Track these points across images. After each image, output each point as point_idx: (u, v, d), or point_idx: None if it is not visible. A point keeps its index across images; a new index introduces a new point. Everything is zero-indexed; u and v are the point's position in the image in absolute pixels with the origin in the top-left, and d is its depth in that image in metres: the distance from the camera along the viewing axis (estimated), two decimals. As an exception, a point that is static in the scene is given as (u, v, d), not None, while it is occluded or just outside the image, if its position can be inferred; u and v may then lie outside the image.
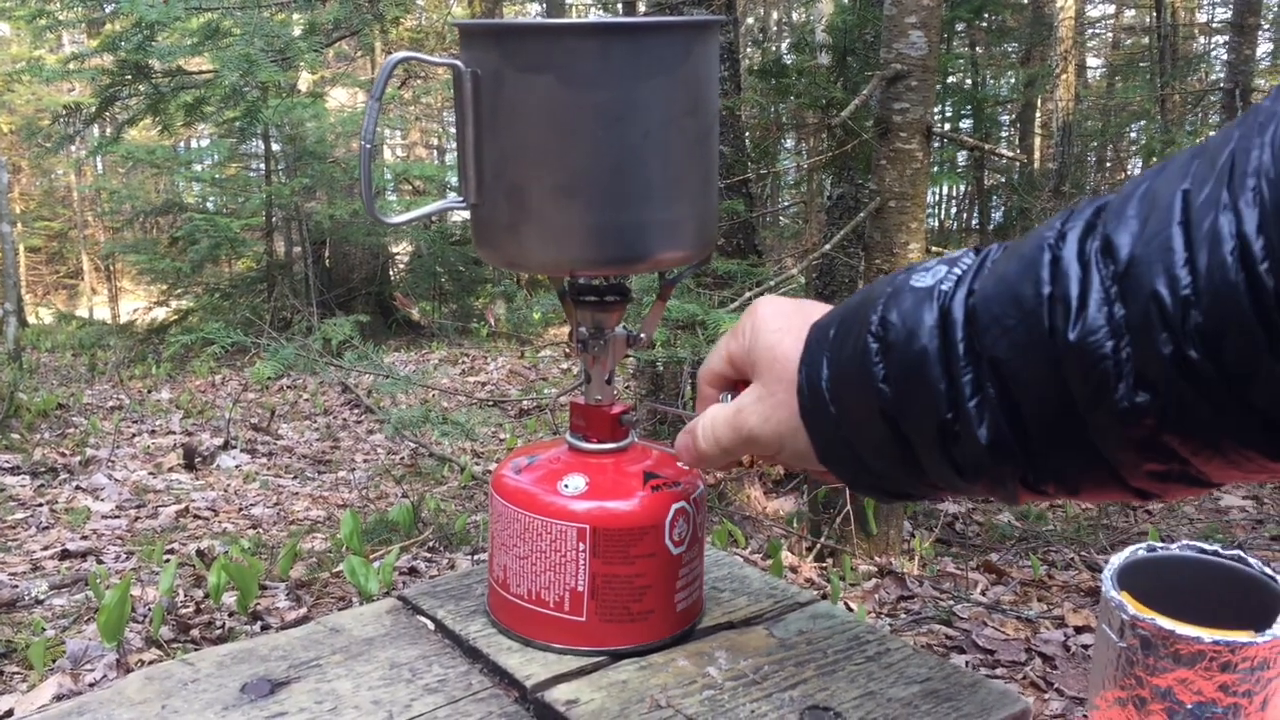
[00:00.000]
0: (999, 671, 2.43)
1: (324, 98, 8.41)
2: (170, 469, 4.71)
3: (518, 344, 8.62)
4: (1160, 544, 0.71)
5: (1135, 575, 0.68)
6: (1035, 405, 0.49)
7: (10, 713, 2.13)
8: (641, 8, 5.59)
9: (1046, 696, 2.31)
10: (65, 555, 3.36)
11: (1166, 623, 0.61)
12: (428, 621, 0.85)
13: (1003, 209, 9.67)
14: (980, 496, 0.57)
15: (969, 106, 7.89)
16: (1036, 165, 10.27)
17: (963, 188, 11.66)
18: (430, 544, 3.31)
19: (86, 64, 6.67)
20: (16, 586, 2.98)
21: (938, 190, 12.26)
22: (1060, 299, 0.46)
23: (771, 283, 3.76)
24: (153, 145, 8.78)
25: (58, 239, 16.69)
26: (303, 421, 5.94)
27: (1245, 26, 7.37)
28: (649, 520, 0.78)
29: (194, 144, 12.54)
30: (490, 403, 5.83)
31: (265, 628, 2.65)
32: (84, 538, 3.57)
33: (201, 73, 6.58)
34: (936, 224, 12.62)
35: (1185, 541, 0.71)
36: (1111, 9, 15.02)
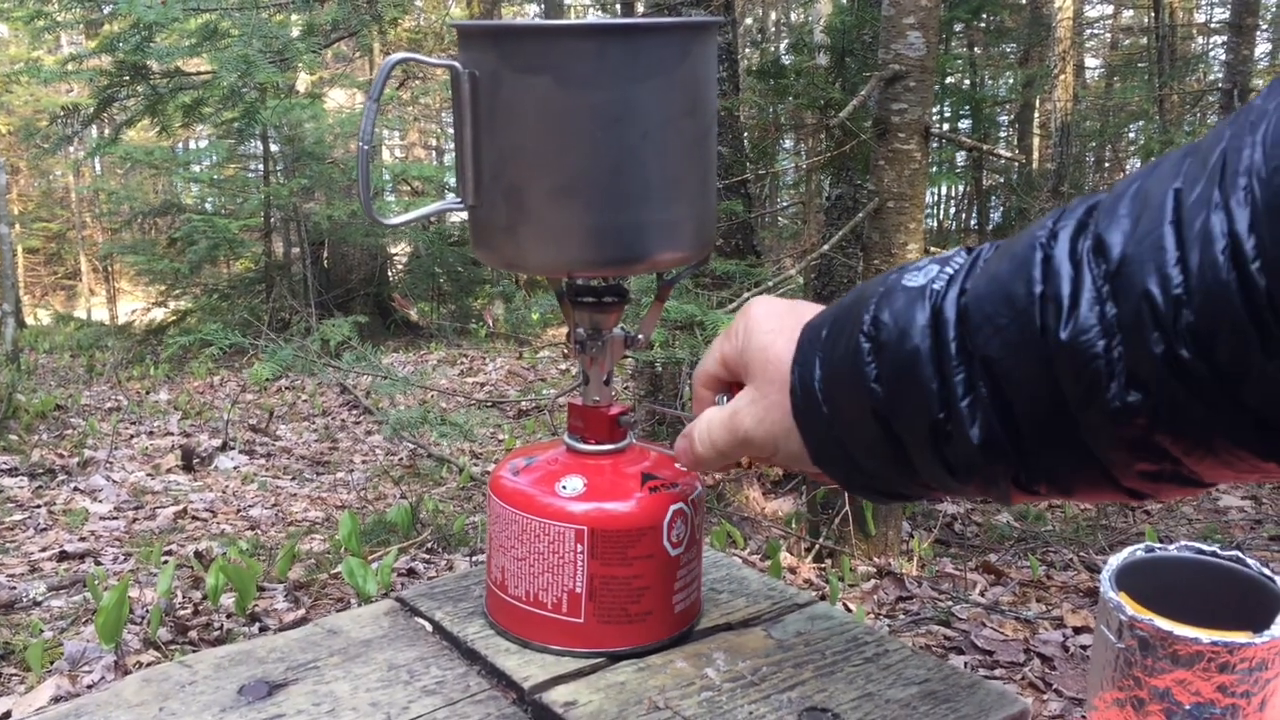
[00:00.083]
0: (998, 672, 2.44)
1: (322, 98, 8.41)
2: (168, 470, 4.71)
3: (516, 345, 8.62)
4: (1158, 545, 0.71)
5: (1133, 576, 0.68)
6: (1027, 404, 0.49)
7: (8, 714, 2.13)
8: (640, 8, 5.60)
9: (1045, 697, 2.31)
10: (63, 557, 3.36)
11: (1165, 623, 0.61)
12: (426, 623, 0.85)
13: (1001, 209, 9.68)
14: (973, 497, 0.57)
15: (967, 107, 7.89)
16: (1035, 166, 10.27)
17: (961, 188, 11.66)
18: (428, 545, 3.31)
19: (85, 65, 6.66)
20: (14, 588, 2.98)
21: (936, 191, 12.26)
22: (1052, 298, 0.46)
23: (770, 283, 3.76)
24: (151, 146, 8.77)
25: (56, 240, 16.69)
26: (301, 422, 5.94)
27: (1243, 27, 7.37)
28: (647, 521, 0.78)
29: (192, 145, 12.54)
30: (489, 403, 5.83)
31: (263, 629, 2.65)
32: (82, 539, 3.57)
33: (200, 74, 6.57)
34: (935, 224, 12.62)
35: (1183, 542, 0.71)
36: (1110, 9, 15.03)
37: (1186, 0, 11.91)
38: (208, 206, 9.92)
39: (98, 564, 3.28)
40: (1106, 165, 12.03)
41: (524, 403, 6.06)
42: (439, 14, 11.96)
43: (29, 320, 11.90)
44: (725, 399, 0.70)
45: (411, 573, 3.06)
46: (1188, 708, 0.61)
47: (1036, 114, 10.57)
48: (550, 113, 0.72)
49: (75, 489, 4.30)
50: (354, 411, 6.14)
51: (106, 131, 8.38)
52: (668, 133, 0.74)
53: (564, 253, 0.75)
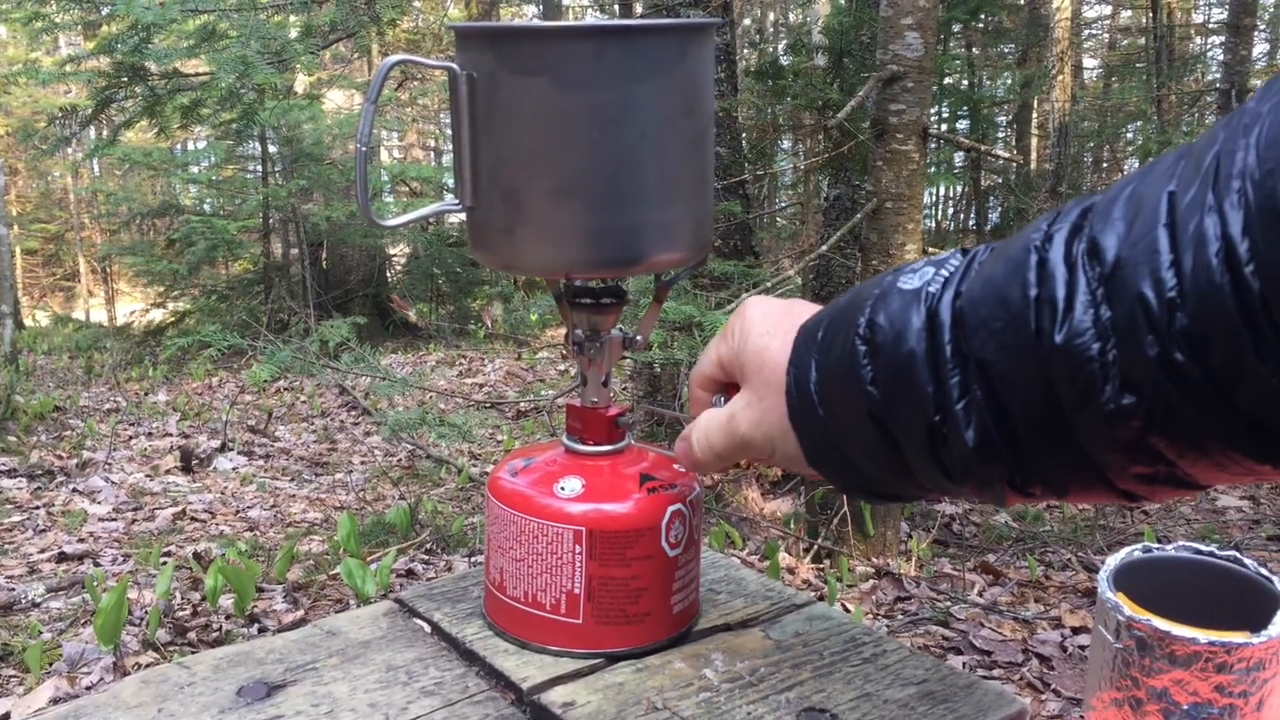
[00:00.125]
0: (996, 672, 2.44)
1: (321, 99, 8.41)
2: (167, 471, 4.71)
3: (515, 345, 8.61)
4: (1156, 545, 0.71)
5: (1131, 576, 0.68)
6: (1022, 407, 0.49)
7: (7, 716, 2.13)
8: (638, 9, 5.60)
9: (1043, 697, 2.31)
10: (62, 558, 3.36)
11: (1162, 624, 0.61)
12: (424, 624, 0.85)
13: (999, 210, 9.68)
14: (969, 498, 0.57)
15: (965, 107, 7.90)
16: (1033, 166, 10.28)
17: (959, 189, 11.68)
18: (427, 546, 3.31)
19: (83, 66, 6.66)
20: (13, 589, 2.98)
21: (934, 191, 12.27)
22: (1047, 301, 0.46)
23: (769, 284, 3.76)
24: (149, 147, 8.77)
25: (54, 241, 16.69)
26: (300, 423, 5.94)
27: (1241, 27, 7.38)
28: (645, 522, 0.78)
29: (191, 146, 12.54)
30: (487, 404, 5.83)
31: (262, 630, 2.65)
32: (81, 540, 3.57)
33: (198, 75, 6.57)
34: (933, 225, 12.64)
35: (1181, 542, 0.71)
36: (1108, 10, 15.05)
37: (1184, 1, 11.92)
38: (206, 207, 9.92)
39: (96, 565, 3.28)
40: (1104, 166, 12.05)
41: (522, 404, 6.06)
42: (437, 15, 11.96)
43: (27, 321, 11.90)
44: (722, 400, 0.70)
45: (410, 574, 3.06)
46: (1185, 708, 0.61)
47: (1034, 114, 10.57)
48: (548, 114, 0.72)
49: (74, 490, 4.30)
50: (353, 412, 6.14)
51: (105, 133, 8.38)
52: (665, 134, 0.74)
53: (562, 254, 0.75)
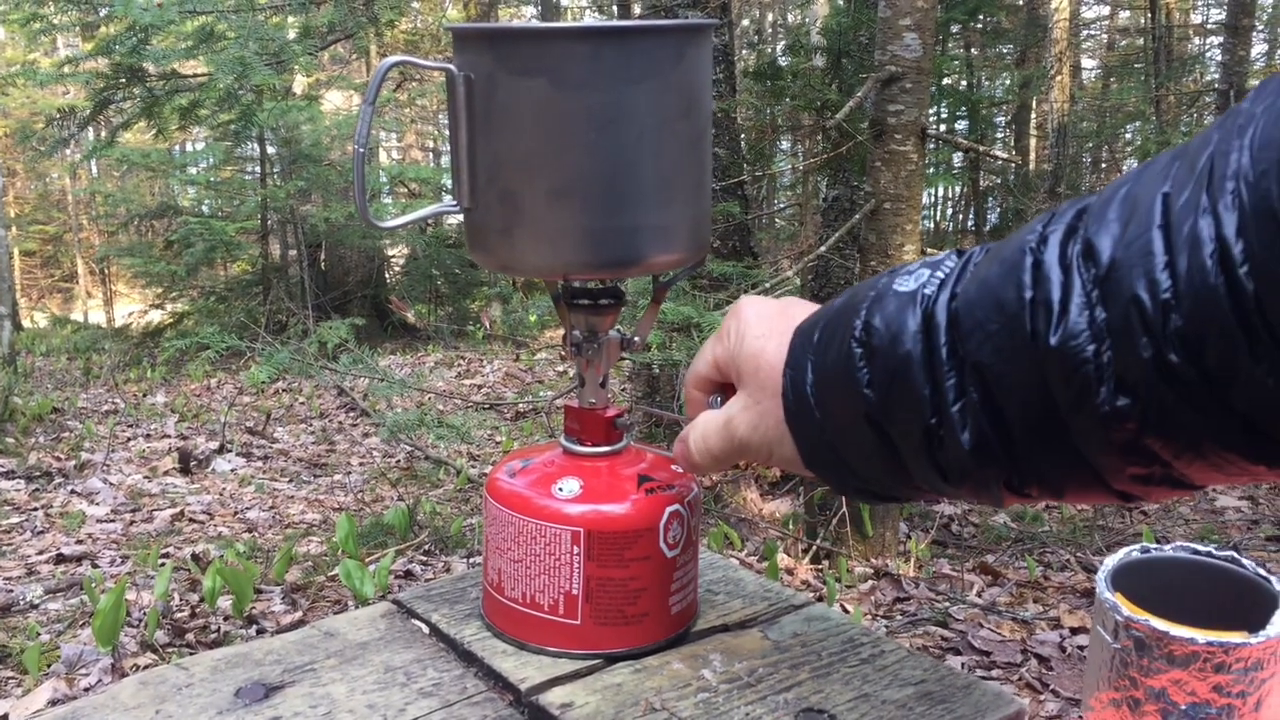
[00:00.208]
0: (995, 673, 2.44)
1: (319, 101, 8.40)
2: (165, 473, 4.71)
3: (513, 347, 8.61)
4: (1154, 545, 0.71)
5: (1129, 576, 0.68)
6: (1018, 409, 0.49)
7: (5, 717, 2.13)
8: (636, 10, 5.60)
9: (1042, 698, 2.31)
10: (60, 560, 3.36)
11: (1160, 624, 0.61)
12: (422, 625, 0.85)
13: (998, 210, 9.69)
14: (966, 499, 0.57)
15: (964, 108, 7.90)
16: (1032, 167, 10.29)
17: (958, 189, 11.69)
18: (426, 547, 3.31)
19: (81, 67, 6.65)
20: (11, 591, 2.98)
21: (933, 192, 12.28)
22: (1042, 303, 0.46)
23: (767, 284, 3.76)
24: (147, 148, 8.75)
25: (52, 242, 16.69)
26: (298, 425, 5.94)
27: (1239, 28, 7.39)
28: (643, 523, 0.78)
29: (189, 147, 12.55)
30: (486, 405, 5.83)
31: (260, 632, 2.65)
32: (79, 542, 3.57)
33: (196, 76, 6.57)
34: (932, 226, 12.65)
35: (1179, 542, 0.71)
36: (1106, 10, 15.06)
37: (1183, 1, 11.92)
38: (205, 209, 9.92)
39: (95, 567, 3.28)
40: (1103, 166, 12.05)
41: (521, 405, 6.06)
42: (435, 16, 11.95)
43: (26, 323, 11.89)
44: (718, 400, 0.70)
45: (409, 575, 3.06)
46: (1183, 708, 0.61)
47: (1033, 115, 10.59)
48: (545, 115, 0.72)
49: (72, 491, 4.30)
50: (351, 414, 6.14)
51: (103, 134, 8.37)
52: (663, 135, 0.74)
53: (559, 255, 0.75)
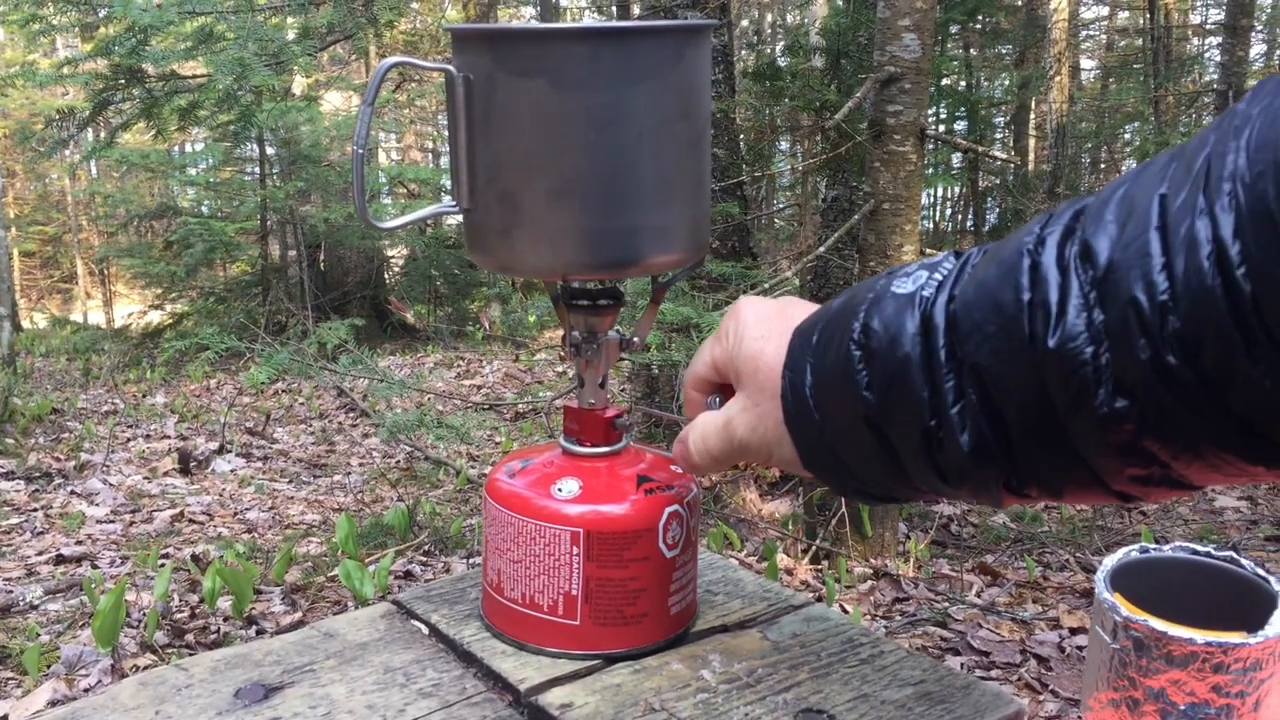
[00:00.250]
0: (994, 673, 2.44)
1: (318, 101, 8.41)
2: (165, 473, 4.70)
3: (513, 347, 8.61)
4: (1153, 545, 0.71)
5: (1128, 577, 0.68)
6: (1016, 411, 0.49)
7: (5, 718, 2.13)
8: (636, 10, 5.60)
9: (1041, 698, 2.31)
10: (60, 560, 3.36)
11: (1159, 624, 0.61)
12: (422, 626, 0.85)
13: (997, 211, 9.69)
14: (965, 500, 0.57)
15: (963, 109, 7.91)
16: (1031, 167, 10.29)
17: (957, 190, 11.68)
18: (425, 548, 3.31)
19: (80, 68, 6.65)
20: (11, 592, 2.98)
21: (932, 192, 12.27)
22: (1040, 305, 0.46)
23: (766, 285, 3.76)
24: (147, 149, 8.75)
25: (52, 243, 16.69)
26: (298, 425, 5.94)
27: (1238, 28, 7.39)
28: (643, 524, 0.78)
29: (188, 148, 12.54)
30: (485, 406, 5.83)
31: (260, 632, 2.65)
32: (79, 543, 3.57)
33: (195, 77, 6.57)
34: (931, 226, 12.65)
35: (1178, 542, 0.71)
36: (1105, 11, 15.07)
37: (1182, 2, 11.93)
38: (204, 209, 9.92)
39: (94, 567, 3.27)
40: (1102, 167, 12.06)
41: (520, 405, 6.06)
42: (435, 17, 11.95)
43: (25, 324, 11.89)
44: (717, 401, 0.70)
45: (408, 575, 3.06)
46: (1182, 708, 0.61)
47: (1032, 115, 10.59)
48: (544, 116, 0.72)
49: (72, 492, 4.30)
50: (351, 414, 6.14)
51: (102, 135, 8.38)
52: (662, 136, 0.74)
53: (559, 256, 0.75)
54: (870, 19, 4.12)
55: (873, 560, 3.27)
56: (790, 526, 3.64)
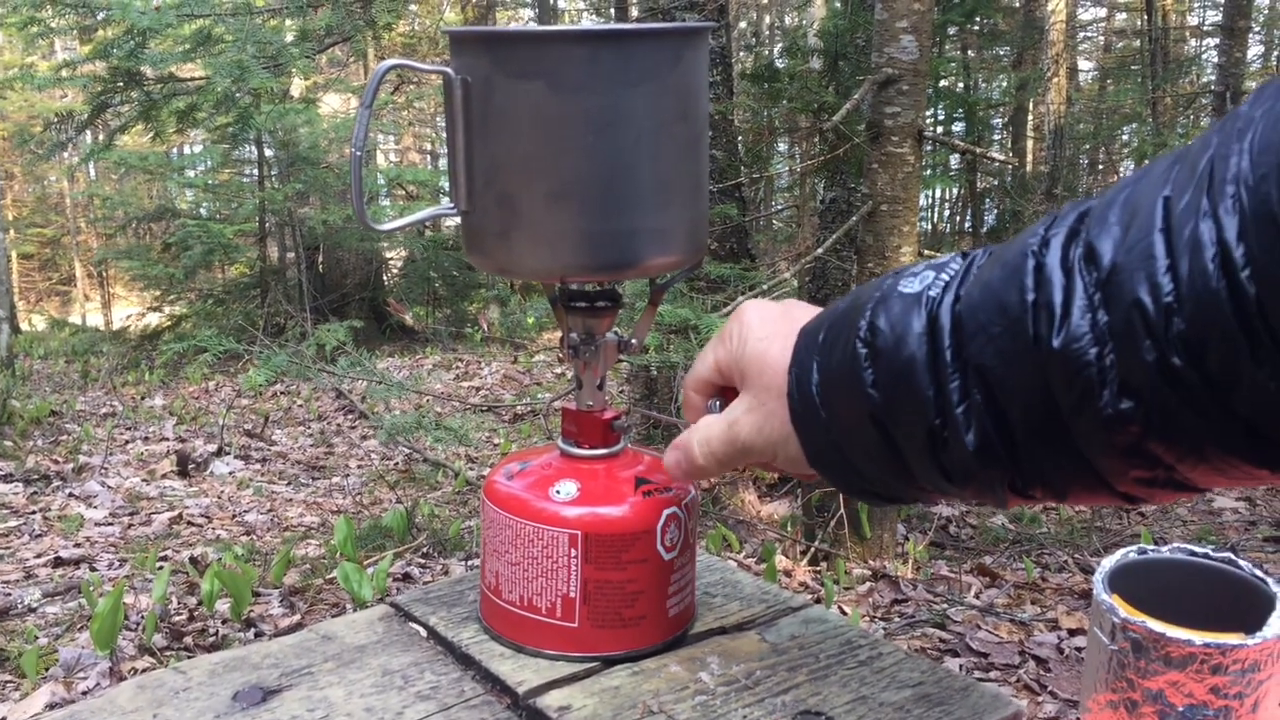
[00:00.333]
0: (992, 674, 2.44)
1: (317, 103, 8.41)
2: (163, 476, 4.70)
3: (511, 349, 8.61)
4: (1151, 547, 0.71)
5: (1126, 578, 0.68)
6: (1021, 412, 0.49)
7: (3, 721, 2.13)
8: (634, 13, 5.60)
9: (1040, 699, 2.31)
10: (58, 563, 3.35)
11: (1157, 625, 0.61)
12: (420, 628, 0.85)
13: (995, 212, 9.70)
14: (970, 500, 0.57)
15: (961, 110, 7.90)
16: (1029, 168, 10.28)
17: (955, 191, 11.68)
18: (424, 550, 3.30)
19: (79, 71, 6.66)
20: (9, 594, 2.97)
21: (930, 194, 12.28)
22: (1044, 306, 0.46)
23: (764, 286, 3.77)
24: (145, 151, 8.75)
25: (50, 245, 16.68)
26: (296, 427, 5.93)
27: (1236, 29, 7.40)
28: (641, 526, 0.78)
29: (187, 150, 12.55)
30: (484, 408, 5.83)
31: (259, 635, 2.64)
32: (77, 545, 3.56)
33: (194, 79, 6.57)
34: (929, 227, 12.66)
35: (1177, 544, 0.71)
36: (1103, 12, 15.08)
37: (1179, 3, 11.94)
38: (202, 211, 9.91)
39: (93, 570, 3.27)
40: (1100, 168, 12.07)
41: (519, 407, 6.06)
42: (433, 19, 11.96)
43: (24, 326, 11.88)
44: (718, 404, 0.70)
45: (407, 577, 3.06)
46: (1180, 709, 0.61)
47: (1030, 117, 10.58)
48: (543, 118, 0.72)
49: (70, 495, 4.29)
50: (349, 416, 6.14)
51: (101, 137, 8.37)
52: (660, 138, 0.74)
53: (557, 258, 0.75)
54: (868, 21, 4.12)
55: (871, 562, 3.27)
56: (789, 528, 3.64)
